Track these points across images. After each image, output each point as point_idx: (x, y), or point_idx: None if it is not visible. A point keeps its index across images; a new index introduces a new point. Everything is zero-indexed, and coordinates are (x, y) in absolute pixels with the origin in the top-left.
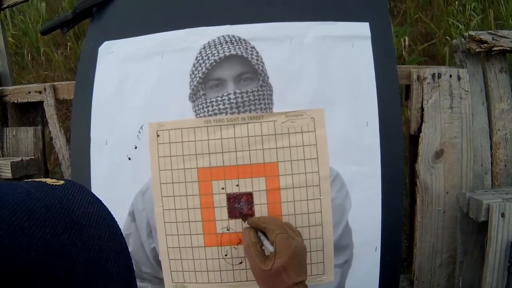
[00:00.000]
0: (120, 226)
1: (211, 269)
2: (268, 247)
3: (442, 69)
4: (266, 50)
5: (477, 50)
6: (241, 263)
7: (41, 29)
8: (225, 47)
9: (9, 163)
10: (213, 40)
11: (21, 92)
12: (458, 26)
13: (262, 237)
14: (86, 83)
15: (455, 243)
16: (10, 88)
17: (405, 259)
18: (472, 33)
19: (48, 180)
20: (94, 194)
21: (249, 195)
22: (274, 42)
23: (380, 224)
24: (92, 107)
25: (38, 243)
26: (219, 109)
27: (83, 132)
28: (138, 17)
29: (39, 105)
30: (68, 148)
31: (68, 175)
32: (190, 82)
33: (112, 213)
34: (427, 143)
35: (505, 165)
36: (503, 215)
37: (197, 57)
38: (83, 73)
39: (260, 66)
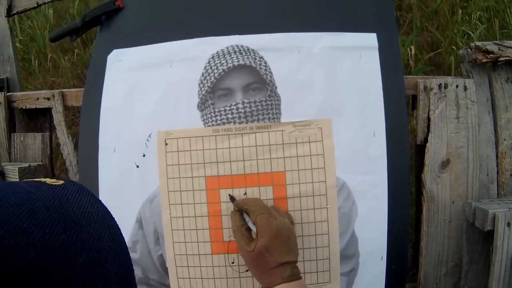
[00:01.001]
0: (128, 233)
1: (218, 276)
2: (252, 228)
3: (449, 79)
4: (275, 60)
5: (483, 61)
6: (247, 270)
7: (50, 36)
8: (233, 57)
9: (17, 168)
10: (222, 50)
11: (29, 99)
12: (464, 35)
13: (247, 219)
14: (95, 90)
15: (460, 252)
16: (18, 94)
17: (411, 268)
18: (478, 43)
19: (48, 180)
20: (93, 194)
21: None
22: (283, 52)
23: (386, 233)
24: (101, 114)
25: (37, 243)
26: (227, 118)
27: (91, 139)
28: (147, 26)
29: (47, 111)
30: (75, 154)
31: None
32: (198, 91)
33: (119, 220)
34: (434, 153)
35: (511, 175)
36: (508, 224)
37: (206, 67)
38: (91, 80)
39: (268, 76)
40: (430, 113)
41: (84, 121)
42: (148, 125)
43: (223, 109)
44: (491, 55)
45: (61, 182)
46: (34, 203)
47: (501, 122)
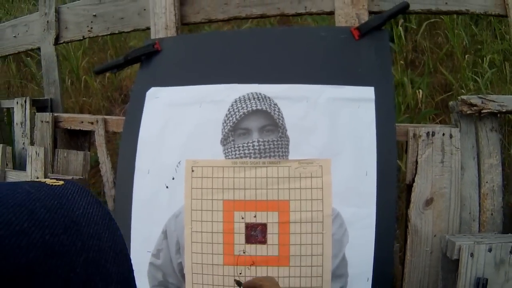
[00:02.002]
0: (154, 243)
1: (227, 284)
2: None
3: (437, 128)
4: (286, 107)
5: (468, 112)
6: None
7: (95, 70)
8: (253, 103)
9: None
10: (243, 96)
11: (74, 121)
12: (475, 79)
13: None
14: (134, 121)
15: (438, 281)
16: (65, 115)
17: None
18: (464, 97)
19: (48, 181)
20: (93, 195)
21: (264, 226)
22: (293, 101)
23: (373, 258)
24: (138, 141)
25: (37, 243)
26: (244, 153)
27: (129, 162)
28: (181, 69)
29: (87, 132)
30: (112, 172)
31: (110, 196)
32: (222, 129)
33: (148, 231)
34: (419, 192)
35: (492, 214)
36: (472, 255)
37: (229, 109)
38: (132, 112)
39: (280, 120)
40: (418, 157)
41: (124, 146)
42: (178, 153)
43: (241, 145)
44: (475, 108)
45: (61, 182)
46: (34, 204)
47: (484, 166)
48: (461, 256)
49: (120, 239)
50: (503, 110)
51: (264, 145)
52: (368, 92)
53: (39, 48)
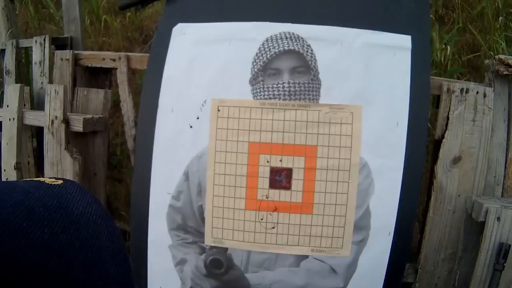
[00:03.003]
0: (175, 184)
1: (247, 230)
2: None
3: (471, 85)
4: (320, 49)
5: (504, 73)
6: (273, 227)
7: (119, 5)
8: (285, 42)
9: (82, 118)
10: (275, 35)
11: (96, 58)
12: (506, 41)
13: None
14: (159, 57)
15: (459, 242)
16: (85, 53)
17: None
18: (502, 56)
19: (47, 180)
20: (92, 194)
21: (289, 171)
22: (327, 43)
23: (396, 213)
24: (163, 79)
25: (36, 243)
26: (273, 94)
27: (152, 100)
28: (211, 5)
29: (108, 70)
30: (133, 111)
31: (131, 136)
32: (251, 69)
33: (168, 172)
34: (448, 149)
35: None
36: (498, 219)
37: (260, 48)
38: (157, 48)
39: (313, 63)
40: (449, 113)
41: (148, 83)
42: (204, 92)
43: (271, 86)
44: None
45: (60, 181)
46: (33, 203)
47: None
48: (488, 218)
49: (119, 238)
50: None
51: (294, 87)
52: (405, 41)
53: None
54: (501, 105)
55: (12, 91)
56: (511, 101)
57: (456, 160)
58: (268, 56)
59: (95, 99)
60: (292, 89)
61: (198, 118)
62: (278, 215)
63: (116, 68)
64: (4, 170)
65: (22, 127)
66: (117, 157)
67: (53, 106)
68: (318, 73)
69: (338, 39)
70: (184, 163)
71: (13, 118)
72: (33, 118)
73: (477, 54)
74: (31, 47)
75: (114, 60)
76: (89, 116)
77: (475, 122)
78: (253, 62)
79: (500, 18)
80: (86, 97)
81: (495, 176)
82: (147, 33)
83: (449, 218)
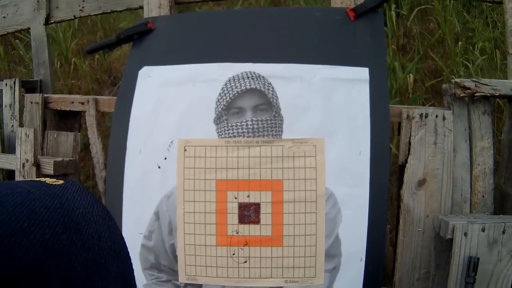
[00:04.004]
0: (146, 224)
1: (220, 265)
2: None
3: (430, 109)
4: (281, 86)
5: (461, 95)
6: (245, 262)
7: (87, 49)
8: (246, 82)
9: (52, 161)
10: (237, 75)
11: (65, 101)
12: (466, 65)
13: None
14: (126, 100)
15: (431, 261)
16: (55, 96)
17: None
18: (457, 80)
19: (48, 180)
20: (93, 195)
21: (257, 205)
22: (288, 80)
23: (366, 238)
24: (130, 121)
25: (37, 243)
26: (238, 132)
27: (121, 142)
28: (174, 48)
29: (77, 113)
30: (103, 153)
31: (101, 178)
32: (215, 108)
33: (139, 212)
34: (412, 173)
35: (483, 196)
36: (466, 234)
37: (223, 88)
38: (124, 91)
39: (274, 100)
40: (411, 138)
41: (115, 126)
42: (171, 133)
43: (235, 124)
44: (468, 91)
45: (61, 182)
46: (34, 203)
47: (476, 149)
48: (455, 235)
49: (120, 238)
50: (496, 94)
51: (257, 124)
52: (362, 73)
53: (28, 29)
54: (461, 126)
55: None
56: (471, 121)
57: (421, 183)
58: (231, 95)
59: (65, 142)
60: (255, 126)
61: (165, 158)
62: (250, 249)
63: (85, 111)
64: None
65: None
66: None
67: (24, 149)
68: (280, 109)
69: (298, 76)
70: (154, 202)
71: None
72: (4, 161)
73: (440, 79)
74: (1, 90)
75: (82, 103)
76: (60, 159)
77: (437, 144)
78: (216, 102)
79: (460, 42)
80: (56, 140)
81: (461, 194)
82: (115, 75)
83: (419, 238)
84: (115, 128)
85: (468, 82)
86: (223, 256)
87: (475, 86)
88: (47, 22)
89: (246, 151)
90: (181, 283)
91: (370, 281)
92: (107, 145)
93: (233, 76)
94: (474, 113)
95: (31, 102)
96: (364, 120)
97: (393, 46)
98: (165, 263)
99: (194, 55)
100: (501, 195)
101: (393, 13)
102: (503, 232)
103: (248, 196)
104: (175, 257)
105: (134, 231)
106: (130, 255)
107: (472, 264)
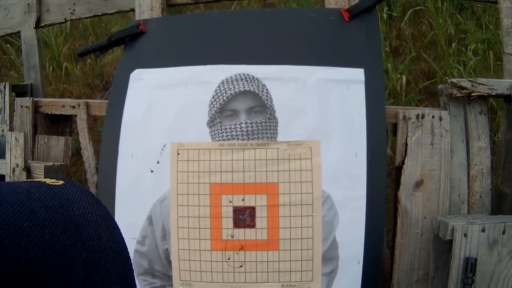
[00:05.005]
0: (139, 229)
1: (215, 270)
2: None
3: (426, 110)
4: (275, 88)
5: (457, 95)
6: (241, 266)
7: (78, 52)
8: (240, 84)
9: (43, 166)
10: (231, 77)
11: (55, 105)
12: (459, 66)
13: None
14: (118, 104)
15: (430, 262)
16: (45, 100)
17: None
18: (454, 80)
19: (48, 180)
20: (93, 195)
21: (252, 209)
22: (282, 82)
23: (364, 241)
24: (122, 125)
25: (37, 243)
26: (232, 135)
27: (112, 146)
28: (167, 51)
29: (69, 117)
30: (94, 158)
31: (93, 182)
32: (209, 111)
33: (132, 217)
34: (409, 174)
35: (480, 196)
36: (465, 235)
37: (216, 90)
38: (115, 94)
39: (269, 102)
40: (407, 139)
41: (107, 129)
42: (163, 136)
43: (229, 127)
44: (465, 91)
45: (61, 182)
46: (34, 203)
47: (473, 149)
48: (455, 236)
49: (121, 239)
50: (493, 94)
51: (252, 127)
52: (358, 74)
53: (19, 33)
54: (458, 126)
55: None
56: (467, 121)
57: (419, 184)
58: (224, 98)
59: (56, 146)
60: (249, 128)
61: (158, 162)
62: (245, 253)
63: (76, 115)
64: None
65: None
66: None
67: (14, 154)
68: (275, 111)
69: (293, 77)
70: (147, 207)
71: None
72: None
73: (433, 80)
74: None
75: (73, 107)
76: (50, 163)
77: (434, 145)
78: (210, 105)
79: (453, 44)
80: (47, 145)
81: (459, 195)
82: (107, 79)
83: (417, 240)
84: (106, 132)
85: (464, 82)
86: (218, 261)
87: (472, 86)
88: (37, 25)
89: (240, 154)
90: None
91: (368, 284)
92: (98, 150)
93: (227, 78)
94: (470, 113)
95: (21, 106)
96: (360, 122)
97: (385, 48)
98: (159, 269)
99: (187, 57)
100: (498, 195)
101: (385, 15)
102: (503, 232)
103: (243, 200)
104: (169, 262)
105: (127, 236)
106: (129, 255)
107: (470, 265)
